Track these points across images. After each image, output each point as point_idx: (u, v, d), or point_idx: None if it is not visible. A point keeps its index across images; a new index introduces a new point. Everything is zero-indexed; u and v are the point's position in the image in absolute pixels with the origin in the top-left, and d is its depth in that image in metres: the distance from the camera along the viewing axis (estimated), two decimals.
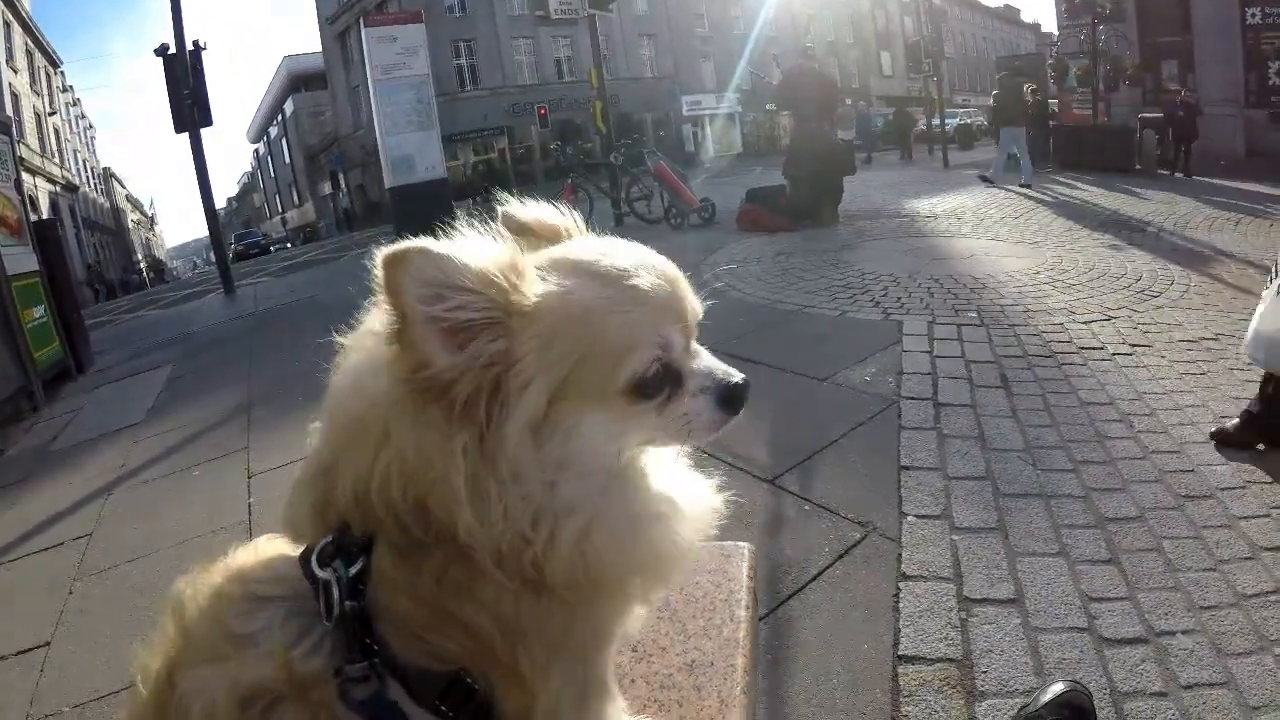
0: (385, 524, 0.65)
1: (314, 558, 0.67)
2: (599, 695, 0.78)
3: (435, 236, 0.65)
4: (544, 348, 0.63)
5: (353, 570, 0.66)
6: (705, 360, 0.75)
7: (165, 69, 11.67)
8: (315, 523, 0.71)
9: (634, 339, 0.66)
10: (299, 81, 47.40)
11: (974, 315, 4.98)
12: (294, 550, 0.72)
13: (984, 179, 13.69)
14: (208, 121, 11.91)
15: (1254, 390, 3.07)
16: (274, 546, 0.76)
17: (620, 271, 0.68)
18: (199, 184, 11.85)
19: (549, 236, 0.76)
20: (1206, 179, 13.31)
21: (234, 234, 41.87)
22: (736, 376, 0.75)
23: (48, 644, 2.50)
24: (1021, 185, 12.60)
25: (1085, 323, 4.80)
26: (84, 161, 46.43)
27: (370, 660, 0.65)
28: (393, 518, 0.65)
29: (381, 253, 0.61)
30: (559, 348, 0.64)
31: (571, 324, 0.64)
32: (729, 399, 0.74)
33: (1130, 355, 4.21)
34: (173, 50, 11.55)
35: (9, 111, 27.88)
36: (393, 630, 0.66)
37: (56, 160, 36.38)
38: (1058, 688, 1.64)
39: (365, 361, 0.68)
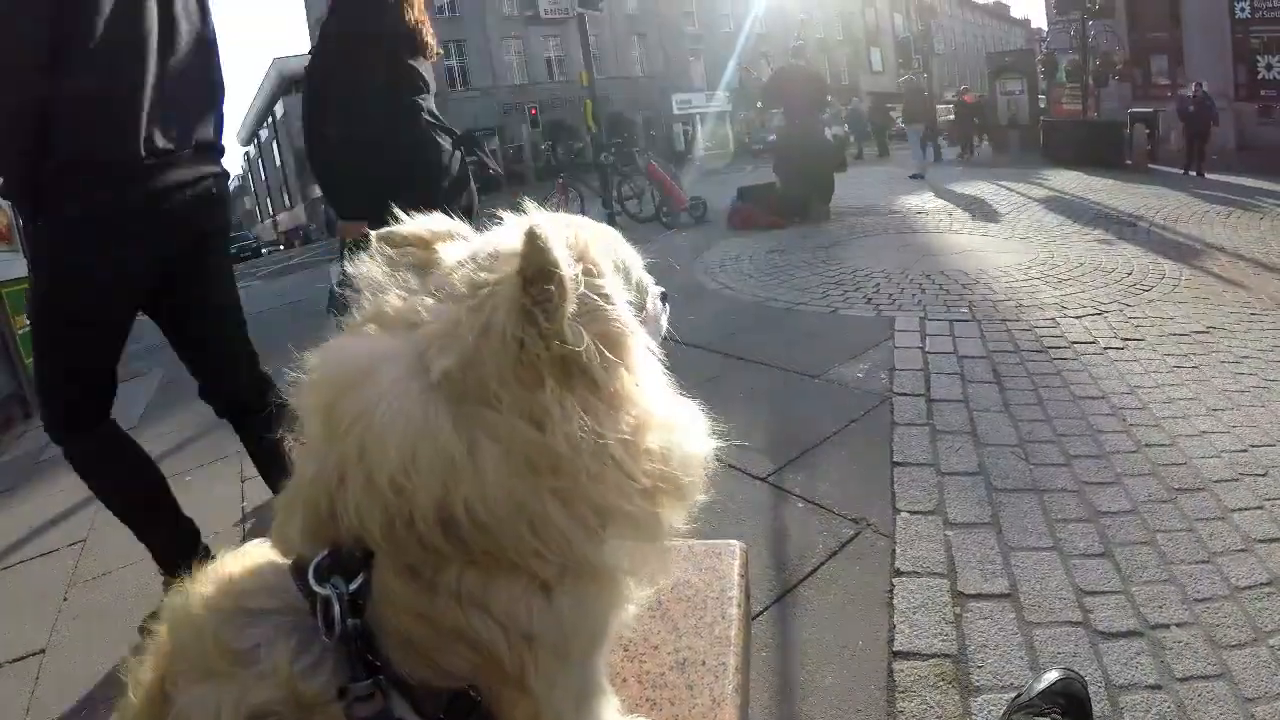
0: (402, 538, 0.63)
1: (311, 573, 0.65)
2: (595, 696, 0.78)
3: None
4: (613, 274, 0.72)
5: (353, 587, 0.64)
6: None
7: None
8: (309, 537, 0.68)
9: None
10: (289, 83, 47.14)
11: (966, 311, 4.99)
12: (282, 560, 0.71)
13: (915, 176, 14.99)
14: None
15: (1247, 381, 3.10)
16: (262, 554, 0.74)
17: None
18: None
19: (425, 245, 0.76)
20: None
21: None
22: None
23: (43, 651, 2.49)
24: (911, 176, 14.68)
25: (1077, 317, 4.82)
26: None
27: (375, 678, 0.63)
28: (410, 531, 0.62)
29: (538, 223, 0.61)
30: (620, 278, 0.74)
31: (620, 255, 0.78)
32: (664, 297, 0.91)
33: (1122, 349, 4.23)
34: None
35: None
36: (396, 648, 0.65)
37: None
38: (1052, 676, 1.64)
39: (393, 354, 0.65)
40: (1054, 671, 1.66)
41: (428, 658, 0.65)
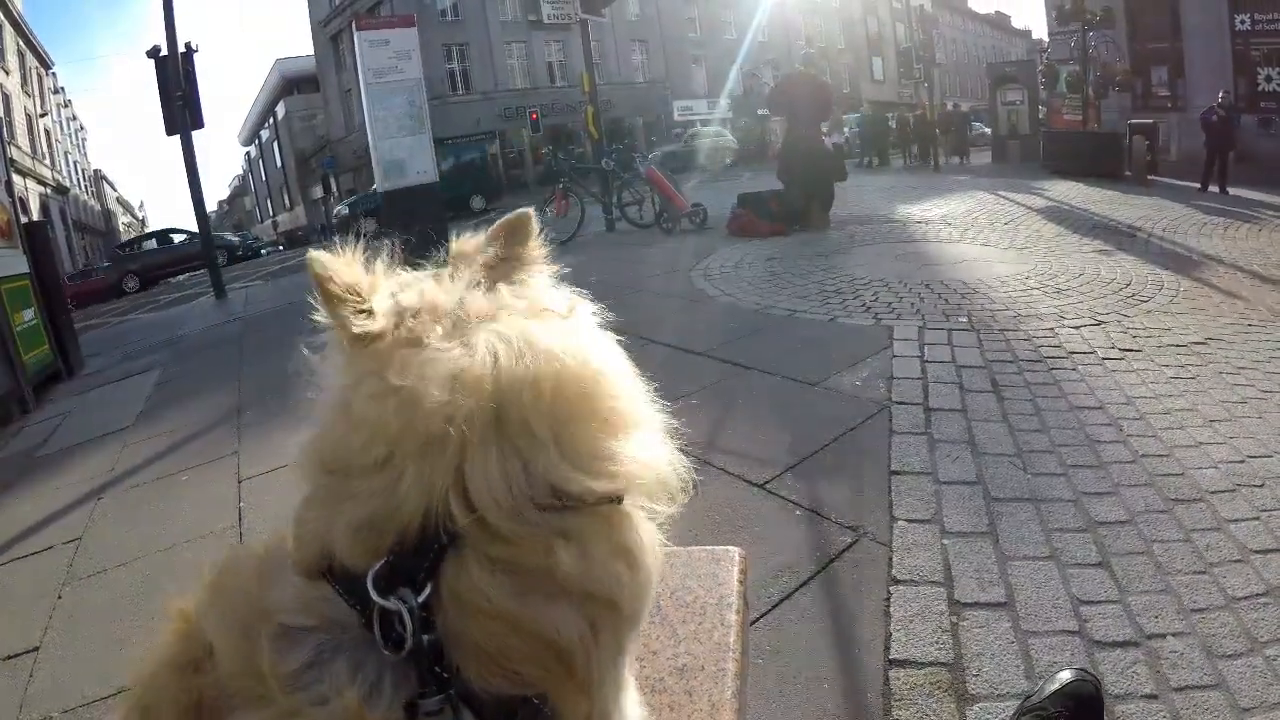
0: (497, 522, 0.60)
1: (370, 584, 0.61)
2: (626, 688, 0.77)
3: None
4: None
5: (421, 597, 0.60)
6: None
7: (157, 71, 11.64)
8: (362, 548, 0.63)
9: None
10: (291, 84, 47.27)
11: (965, 320, 5.00)
12: (302, 571, 0.66)
13: None
14: (199, 124, 11.88)
15: (1244, 392, 3.13)
16: (276, 562, 0.69)
17: None
18: (190, 187, 11.80)
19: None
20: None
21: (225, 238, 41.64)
22: None
23: (36, 649, 2.48)
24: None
25: (1075, 327, 4.83)
26: (75, 163, 46.23)
27: (446, 692, 0.60)
28: (510, 507, 0.59)
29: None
30: None
31: None
32: None
33: (1120, 360, 4.24)
34: (164, 52, 11.53)
35: None
36: (469, 658, 0.61)
37: (47, 162, 36.21)
38: (1065, 676, 1.62)
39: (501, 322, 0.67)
40: (1067, 672, 1.64)
41: (504, 666, 0.62)
